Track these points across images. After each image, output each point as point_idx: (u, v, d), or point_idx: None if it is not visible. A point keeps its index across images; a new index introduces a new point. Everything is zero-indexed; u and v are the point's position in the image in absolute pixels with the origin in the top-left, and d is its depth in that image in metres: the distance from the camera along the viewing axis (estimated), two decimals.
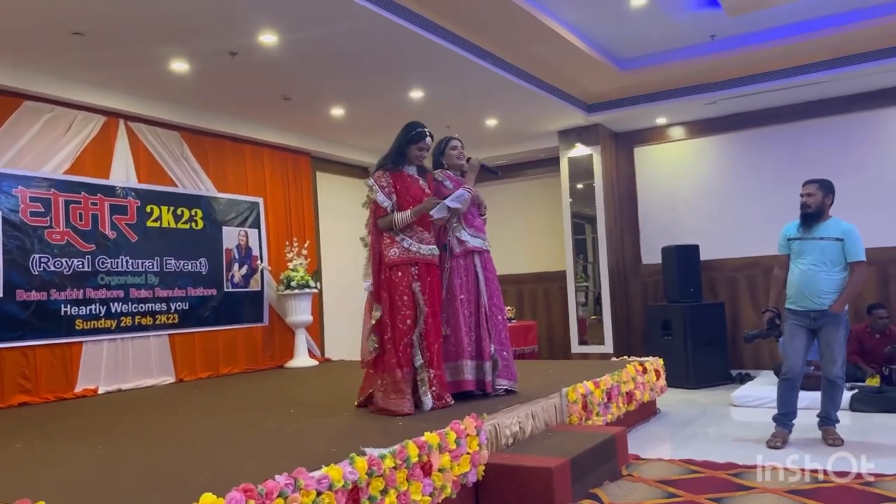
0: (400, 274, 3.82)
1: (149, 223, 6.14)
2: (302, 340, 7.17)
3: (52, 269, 5.44)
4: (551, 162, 8.60)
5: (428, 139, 3.95)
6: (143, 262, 6.05)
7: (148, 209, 6.15)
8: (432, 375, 3.80)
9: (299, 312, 7.07)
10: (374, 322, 3.85)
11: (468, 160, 4.35)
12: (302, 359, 7.11)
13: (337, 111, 6.86)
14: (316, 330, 7.68)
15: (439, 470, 3.04)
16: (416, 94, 6.41)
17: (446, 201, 3.99)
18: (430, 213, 3.92)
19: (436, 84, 6.21)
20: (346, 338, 7.99)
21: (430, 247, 3.95)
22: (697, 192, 7.88)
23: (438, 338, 3.88)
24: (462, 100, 6.77)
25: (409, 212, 3.87)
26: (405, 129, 3.99)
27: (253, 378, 6.40)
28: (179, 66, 5.36)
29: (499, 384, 4.17)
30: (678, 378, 6.74)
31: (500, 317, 4.29)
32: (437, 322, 3.89)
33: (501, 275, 9.53)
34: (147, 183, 6.18)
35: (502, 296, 4.44)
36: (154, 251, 6.16)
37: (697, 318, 7.03)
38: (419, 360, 3.79)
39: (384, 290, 3.83)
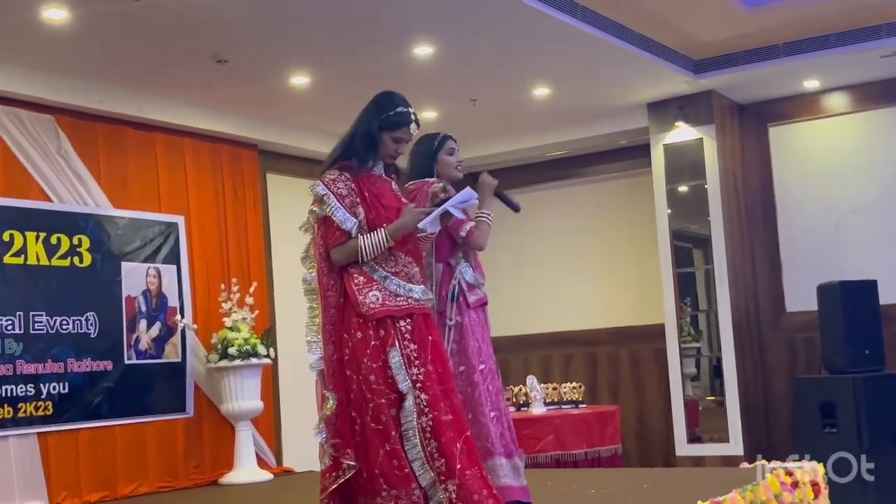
0: (382, 333, 3.77)
1: (7, 258, 6.19)
2: (247, 440, 7.18)
3: None
4: (637, 152, 8.61)
5: (413, 126, 3.92)
6: None
7: (5, 237, 6.19)
8: (453, 496, 3.70)
9: (242, 396, 7.08)
10: (322, 422, 3.76)
11: (478, 178, 4.55)
12: (247, 469, 7.10)
13: (299, 80, 6.93)
14: (268, 423, 7.68)
15: None
16: (424, 51, 6.47)
17: (447, 205, 3.90)
18: (420, 226, 3.84)
19: (453, 35, 6.27)
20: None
21: (423, 288, 3.93)
22: (873, 196, 7.85)
23: (463, 429, 3.83)
24: (494, 59, 6.80)
25: (382, 231, 3.80)
26: (377, 103, 3.94)
27: (171, 502, 6.35)
28: (55, 13, 5.47)
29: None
30: (850, 493, 6.66)
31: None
32: (453, 405, 3.84)
33: (559, 331, 9.51)
34: (3, 196, 6.23)
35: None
36: (15, 302, 6.18)
37: (878, 398, 6.93)
38: (427, 476, 3.71)
39: (349, 366, 3.77)
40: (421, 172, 4.48)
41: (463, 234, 4.38)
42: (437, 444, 3.70)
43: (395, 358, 3.74)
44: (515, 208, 4.60)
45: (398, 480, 3.67)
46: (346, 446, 3.72)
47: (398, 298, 3.81)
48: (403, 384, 3.71)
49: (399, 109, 3.89)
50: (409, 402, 3.71)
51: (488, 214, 4.45)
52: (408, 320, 3.82)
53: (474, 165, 9.31)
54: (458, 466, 3.68)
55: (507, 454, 4.33)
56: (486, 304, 4.56)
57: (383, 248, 3.80)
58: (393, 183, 4.00)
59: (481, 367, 4.36)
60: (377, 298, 3.78)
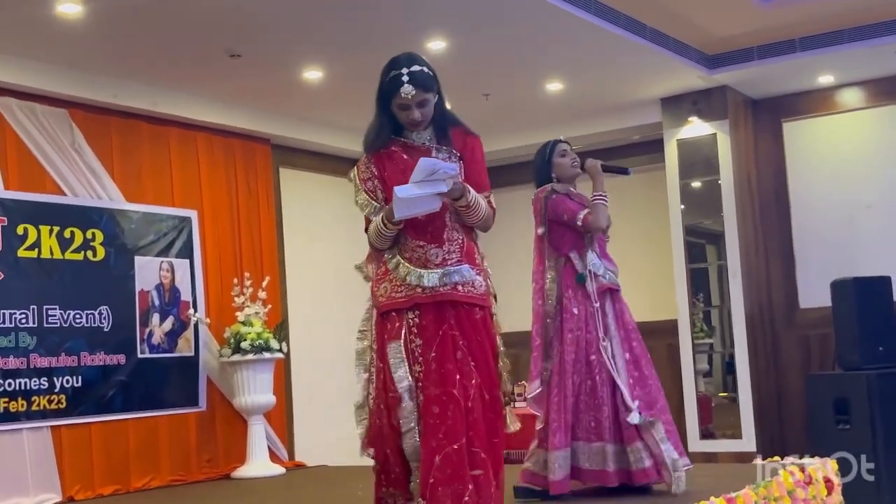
0: (389, 326, 3.64)
1: (20, 252, 6.21)
2: (260, 434, 7.19)
3: None
4: (650, 147, 8.59)
5: (406, 88, 3.58)
6: (10, 314, 6.11)
7: (19, 230, 6.22)
8: None
9: (255, 390, 7.09)
10: (356, 410, 3.75)
11: (582, 167, 4.97)
12: (259, 464, 7.12)
13: (312, 74, 6.94)
14: (281, 417, 7.69)
15: None
16: (437, 46, 6.48)
17: (405, 186, 3.54)
18: (396, 216, 3.57)
19: (466, 29, 6.27)
20: (329, 429, 7.99)
21: (443, 272, 3.64)
22: (887, 191, 7.82)
23: (454, 439, 3.52)
24: (507, 54, 6.80)
25: (381, 215, 3.65)
26: (381, 74, 3.71)
27: (184, 496, 6.38)
28: (69, 8, 5.49)
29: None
30: (864, 491, 6.63)
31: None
32: (451, 410, 3.54)
33: None
34: (17, 190, 6.26)
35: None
36: (28, 296, 6.21)
37: (893, 395, 6.90)
38: (415, 483, 3.59)
39: (378, 356, 3.70)
40: (541, 180, 4.99)
41: (579, 223, 4.84)
42: (424, 451, 3.55)
43: (395, 352, 3.61)
44: (626, 172, 5.12)
45: (395, 482, 3.63)
46: (370, 442, 3.68)
47: (407, 289, 3.63)
48: (401, 382, 3.57)
49: (391, 75, 3.64)
50: (407, 403, 3.58)
51: (603, 196, 4.90)
52: (416, 312, 3.63)
53: (486, 161, 9.31)
54: (431, 481, 3.48)
55: (613, 438, 4.74)
56: (613, 290, 4.93)
57: (383, 233, 3.65)
58: (435, 151, 3.71)
59: (592, 357, 4.82)
60: (386, 290, 3.68)
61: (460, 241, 3.69)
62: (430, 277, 3.61)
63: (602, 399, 4.80)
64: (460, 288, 3.63)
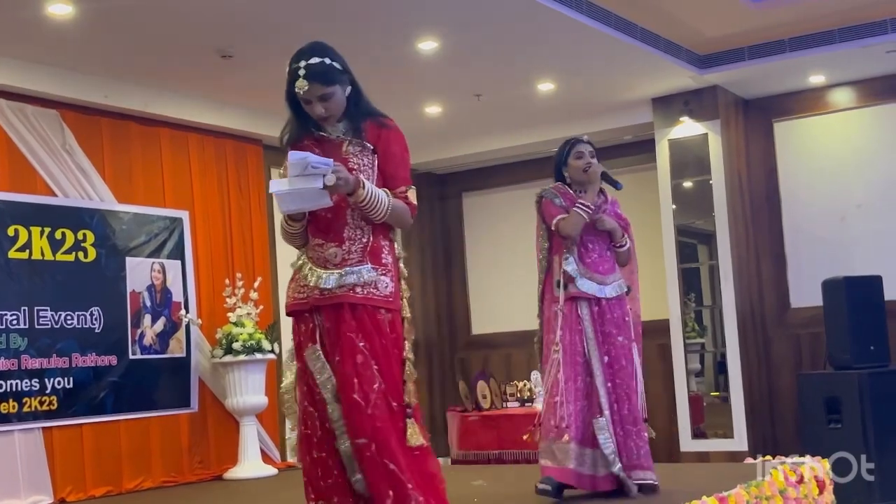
0: (304, 328, 3.48)
1: (11, 253, 6.21)
2: (252, 435, 7.21)
3: None
4: (641, 147, 8.61)
5: (300, 82, 3.40)
6: (1, 315, 6.11)
7: (10, 231, 6.22)
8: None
9: (247, 391, 7.11)
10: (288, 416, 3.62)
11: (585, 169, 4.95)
12: (251, 465, 7.13)
13: None
14: (272, 418, 7.69)
15: None
16: (429, 46, 6.49)
17: (270, 185, 3.43)
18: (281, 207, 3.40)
19: (458, 30, 6.28)
20: None
21: (344, 272, 3.41)
22: (878, 191, 7.85)
23: (366, 442, 3.35)
24: (499, 54, 6.82)
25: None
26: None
27: (176, 497, 6.38)
28: (60, 8, 5.49)
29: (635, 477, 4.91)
30: (856, 490, 6.66)
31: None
32: (354, 413, 3.33)
33: None
34: (8, 191, 6.26)
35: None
36: (20, 297, 6.21)
37: (883, 394, 6.93)
38: (361, 485, 3.41)
39: (296, 357, 3.56)
40: (557, 180, 5.02)
41: (554, 228, 4.86)
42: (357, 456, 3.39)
43: (313, 355, 3.43)
44: (616, 186, 4.99)
45: (334, 487, 3.43)
46: (300, 450, 3.51)
47: (308, 290, 3.44)
48: (325, 386, 3.40)
49: (290, 68, 3.45)
50: (333, 409, 3.39)
51: (583, 206, 4.79)
52: (319, 315, 3.44)
53: (478, 161, 9.33)
54: (368, 482, 3.37)
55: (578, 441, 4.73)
56: (587, 298, 4.84)
57: (286, 229, 3.50)
58: (346, 144, 3.51)
59: (546, 358, 4.88)
60: (291, 291, 3.52)
61: (364, 241, 3.45)
62: (328, 279, 3.41)
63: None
64: (358, 290, 3.39)
